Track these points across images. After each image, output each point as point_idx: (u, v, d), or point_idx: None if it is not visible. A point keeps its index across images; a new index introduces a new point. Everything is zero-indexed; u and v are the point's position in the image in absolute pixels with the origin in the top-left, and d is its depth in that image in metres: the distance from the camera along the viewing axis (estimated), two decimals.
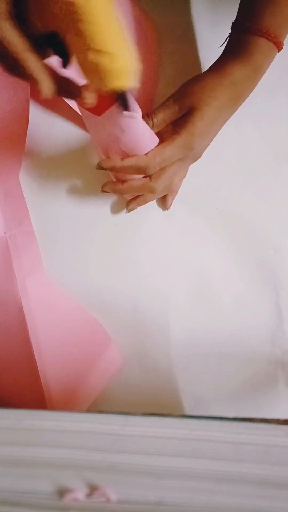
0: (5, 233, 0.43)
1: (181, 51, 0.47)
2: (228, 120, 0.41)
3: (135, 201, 0.44)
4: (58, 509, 0.24)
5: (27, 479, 0.25)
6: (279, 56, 0.45)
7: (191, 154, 0.40)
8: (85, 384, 0.42)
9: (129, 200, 0.44)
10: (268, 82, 0.46)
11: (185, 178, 0.45)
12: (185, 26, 0.47)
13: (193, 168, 0.44)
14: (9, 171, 0.45)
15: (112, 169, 0.38)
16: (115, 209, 0.46)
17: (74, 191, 0.45)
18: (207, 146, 0.41)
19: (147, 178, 0.39)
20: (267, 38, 0.38)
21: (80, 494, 0.25)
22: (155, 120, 0.39)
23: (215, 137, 0.44)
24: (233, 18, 0.41)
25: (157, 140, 0.39)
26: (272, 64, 0.42)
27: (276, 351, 0.45)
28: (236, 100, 0.40)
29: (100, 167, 0.38)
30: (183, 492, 0.25)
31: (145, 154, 0.38)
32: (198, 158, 0.41)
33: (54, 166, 0.45)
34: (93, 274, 0.45)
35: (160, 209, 0.46)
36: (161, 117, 0.39)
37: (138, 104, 0.36)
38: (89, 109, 0.37)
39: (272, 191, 0.46)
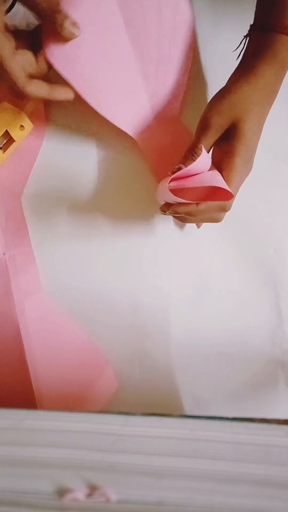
0: (4, 254, 0.43)
1: None
2: None
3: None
4: (58, 509, 0.24)
5: (27, 479, 0.25)
6: None
7: (250, 165, 0.39)
8: (81, 407, 0.41)
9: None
10: None
11: None
12: None
13: None
14: (12, 192, 0.45)
15: (188, 214, 0.37)
16: (115, 209, 0.46)
17: (74, 192, 0.45)
18: None
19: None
20: None
21: (80, 494, 0.25)
22: (198, 152, 0.38)
23: None
24: (233, 18, 0.41)
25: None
26: None
27: (276, 351, 0.45)
28: (272, 99, 0.40)
29: (174, 211, 0.38)
30: (183, 492, 0.25)
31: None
32: None
33: (53, 177, 0.45)
34: (93, 274, 0.45)
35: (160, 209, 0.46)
36: (206, 143, 0.38)
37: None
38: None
39: (272, 191, 0.46)
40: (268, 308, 0.45)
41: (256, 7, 0.40)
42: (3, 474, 0.25)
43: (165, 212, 0.39)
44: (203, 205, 0.36)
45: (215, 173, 0.37)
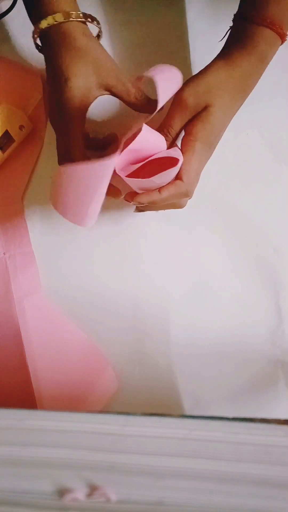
0: (4, 253, 0.43)
1: (181, 51, 0.47)
2: None
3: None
4: (58, 509, 0.24)
5: (27, 479, 0.25)
6: (279, 55, 0.45)
7: (212, 151, 0.39)
8: (81, 407, 0.41)
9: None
10: (268, 81, 0.46)
11: None
12: (184, 26, 0.47)
13: None
14: (12, 192, 0.45)
15: (152, 203, 0.37)
16: (115, 209, 0.46)
17: None
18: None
19: (181, 181, 0.38)
20: (271, 28, 0.37)
21: (80, 494, 0.25)
22: (172, 132, 0.38)
23: None
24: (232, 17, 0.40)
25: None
26: (272, 63, 0.42)
27: (276, 351, 0.45)
28: (246, 92, 0.39)
29: (139, 207, 0.38)
30: (183, 492, 0.25)
31: (179, 178, 0.36)
32: None
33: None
34: (93, 274, 0.45)
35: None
36: (178, 125, 0.38)
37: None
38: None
39: (272, 191, 0.46)
40: (268, 308, 0.45)
41: None
42: (3, 474, 0.25)
43: (129, 202, 0.38)
44: (165, 192, 0.36)
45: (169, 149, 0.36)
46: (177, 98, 0.37)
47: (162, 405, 0.43)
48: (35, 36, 0.38)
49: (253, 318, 0.45)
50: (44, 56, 0.39)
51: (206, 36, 0.47)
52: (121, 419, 0.27)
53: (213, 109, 0.37)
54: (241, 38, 0.38)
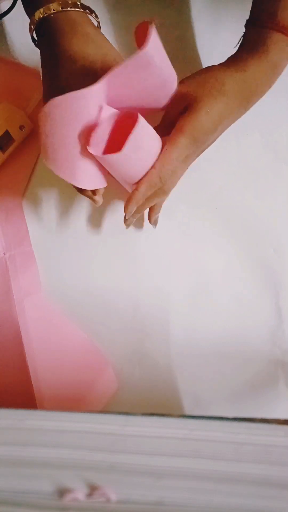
0: (4, 253, 0.43)
1: (181, 51, 0.47)
2: None
3: (153, 213, 0.43)
4: (58, 509, 0.24)
5: (27, 479, 0.25)
6: None
7: (198, 151, 0.38)
8: (81, 407, 0.41)
9: (149, 215, 0.43)
10: None
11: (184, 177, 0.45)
12: (185, 26, 0.47)
13: (193, 167, 0.44)
14: (12, 192, 0.45)
15: (138, 203, 0.37)
16: (115, 209, 0.46)
17: (74, 192, 0.45)
18: (213, 142, 0.39)
19: (152, 169, 0.37)
20: (283, 33, 0.36)
21: (80, 494, 0.25)
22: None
23: None
24: (233, 18, 0.40)
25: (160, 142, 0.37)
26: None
27: (276, 351, 0.45)
28: (249, 98, 0.38)
29: (128, 217, 0.38)
30: (183, 492, 0.25)
31: (152, 167, 0.36)
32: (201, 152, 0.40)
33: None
34: (93, 274, 0.45)
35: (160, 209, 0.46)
36: (166, 113, 0.37)
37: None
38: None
39: (272, 191, 0.46)
40: (268, 308, 0.45)
41: (252, 1, 0.38)
42: (3, 474, 0.25)
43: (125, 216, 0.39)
44: (142, 187, 0.36)
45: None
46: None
47: (162, 405, 0.43)
48: (32, 27, 0.37)
49: (253, 318, 0.45)
50: (41, 48, 0.38)
51: (206, 36, 0.47)
52: (121, 419, 0.27)
53: (201, 105, 0.35)
54: (252, 43, 0.37)
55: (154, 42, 0.30)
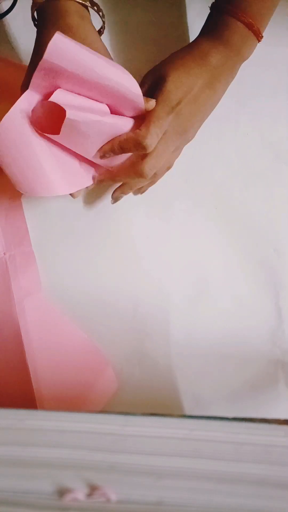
0: (4, 253, 0.43)
1: None
2: (228, 119, 0.41)
3: (119, 190, 0.42)
4: (58, 509, 0.24)
5: (27, 479, 0.25)
6: (278, 56, 0.45)
7: (180, 129, 0.38)
8: (81, 407, 0.41)
9: (115, 190, 0.43)
10: (268, 81, 0.46)
11: (180, 175, 0.45)
12: (184, 26, 0.47)
13: (193, 167, 0.44)
14: (12, 192, 0.45)
15: (112, 150, 0.36)
16: (116, 209, 0.46)
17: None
18: (196, 125, 0.39)
19: (139, 158, 0.37)
20: (243, 22, 0.37)
21: (80, 494, 0.25)
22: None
23: (215, 136, 0.44)
24: None
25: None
26: (271, 63, 0.42)
27: (276, 351, 0.45)
28: (214, 80, 0.38)
29: (103, 153, 0.37)
30: (183, 492, 0.25)
31: (139, 129, 0.35)
32: (188, 140, 0.39)
33: None
34: (93, 274, 0.45)
35: (160, 209, 0.46)
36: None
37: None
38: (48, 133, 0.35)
39: (272, 191, 0.46)
40: (268, 308, 0.45)
41: None
42: (3, 474, 0.25)
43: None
44: (123, 139, 0.36)
45: None
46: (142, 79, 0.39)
47: (162, 405, 0.43)
48: (33, 8, 0.37)
49: (253, 318, 0.45)
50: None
51: None
52: (121, 419, 0.27)
53: (168, 78, 0.37)
54: (213, 28, 0.39)
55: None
